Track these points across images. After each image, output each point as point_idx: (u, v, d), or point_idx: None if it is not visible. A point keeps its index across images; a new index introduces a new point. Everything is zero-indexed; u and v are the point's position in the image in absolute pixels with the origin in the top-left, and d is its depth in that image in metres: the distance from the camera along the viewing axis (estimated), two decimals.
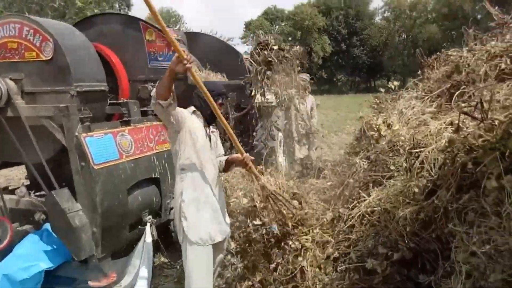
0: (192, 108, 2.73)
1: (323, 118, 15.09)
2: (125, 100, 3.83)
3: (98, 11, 16.58)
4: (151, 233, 3.39)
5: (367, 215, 2.42)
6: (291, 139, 6.88)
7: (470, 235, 1.58)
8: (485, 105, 1.58)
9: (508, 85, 2.19)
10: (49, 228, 3.04)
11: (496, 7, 3.48)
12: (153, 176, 3.56)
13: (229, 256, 3.33)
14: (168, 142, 3.78)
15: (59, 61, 3.11)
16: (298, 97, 6.65)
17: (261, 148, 6.39)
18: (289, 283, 2.84)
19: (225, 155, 2.99)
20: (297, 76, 7.09)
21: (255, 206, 3.19)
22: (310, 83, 6.95)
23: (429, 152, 1.95)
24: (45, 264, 2.91)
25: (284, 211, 3.01)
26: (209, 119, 2.71)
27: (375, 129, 3.19)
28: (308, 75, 7.03)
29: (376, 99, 4.20)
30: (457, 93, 2.38)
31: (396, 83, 3.90)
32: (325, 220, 2.91)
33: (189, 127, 2.58)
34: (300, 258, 2.79)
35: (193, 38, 5.67)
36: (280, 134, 6.68)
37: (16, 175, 7.15)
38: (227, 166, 2.84)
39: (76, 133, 2.94)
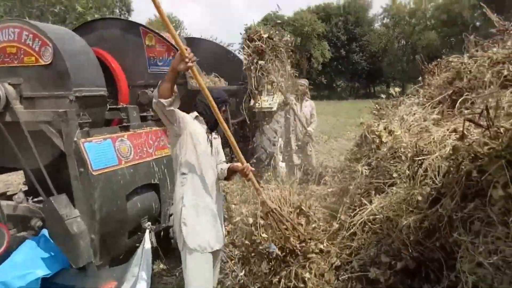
0: (195, 113, 2.71)
1: (323, 123, 15.07)
2: (124, 105, 3.80)
3: (98, 16, 16.64)
4: (150, 240, 3.34)
5: (369, 223, 2.38)
6: (289, 145, 6.87)
7: (476, 245, 1.54)
8: (491, 112, 1.55)
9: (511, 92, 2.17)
10: (47, 234, 3.00)
11: (495, 14, 3.49)
12: (153, 182, 3.52)
13: (230, 263, 3.30)
14: (167, 147, 3.77)
15: (58, 66, 3.08)
16: (296, 102, 6.67)
17: (261, 153, 6.37)
18: None
19: (226, 162, 2.96)
20: (296, 80, 7.11)
21: (256, 222, 3.14)
22: (309, 89, 6.96)
23: (433, 159, 1.92)
24: (42, 271, 2.85)
25: (286, 231, 2.94)
26: (212, 126, 2.70)
27: (376, 135, 3.17)
28: (307, 80, 7.04)
29: (377, 105, 4.19)
30: (460, 99, 2.36)
31: (397, 89, 3.89)
32: (331, 231, 2.85)
33: (190, 131, 2.56)
34: (305, 272, 2.74)
35: (193, 44, 5.67)
36: (280, 139, 6.65)
37: (15, 180, 7.10)
38: (229, 175, 2.80)
39: (75, 139, 2.90)
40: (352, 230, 2.69)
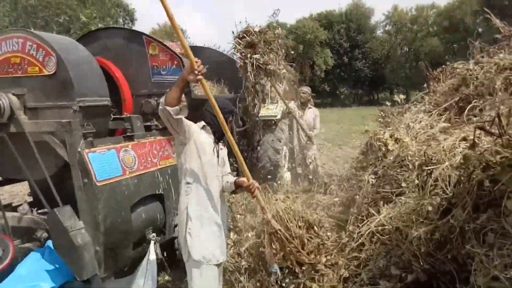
0: (202, 123, 2.70)
1: (326, 131, 15.03)
2: (128, 115, 3.79)
3: (102, 26, 16.79)
4: (155, 251, 3.31)
5: (377, 234, 2.34)
6: (293, 153, 6.83)
7: (490, 257, 1.49)
8: (503, 120, 1.51)
9: None
10: (51, 246, 2.98)
11: (498, 21, 3.46)
12: (157, 193, 3.49)
13: (237, 274, 3.25)
14: (172, 157, 3.75)
15: (62, 76, 3.08)
16: (298, 110, 6.64)
17: (266, 162, 6.33)
18: None
19: (231, 173, 2.95)
20: (298, 87, 7.09)
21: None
22: (312, 96, 6.94)
23: (443, 169, 1.87)
24: (47, 284, 2.81)
25: (293, 248, 2.91)
26: (219, 136, 2.68)
27: (383, 143, 3.13)
28: (309, 88, 7.02)
29: (382, 113, 4.16)
30: (469, 107, 2.31)
31: (402, 96, 3.85)
32: (341, 243, 2.81)
33: (196, 140, 2.55)
34: (313, 284, 2.69)
35: (196, 52, 5.66)
36: (284, 148, 6.62)
37: (21, 191, 7.09)
38: (235, 188, 2.78)
39: (79, 149, 2.89)
40: (360, 241, 2.64)
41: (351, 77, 41.78)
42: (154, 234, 3.38)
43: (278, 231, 2.81)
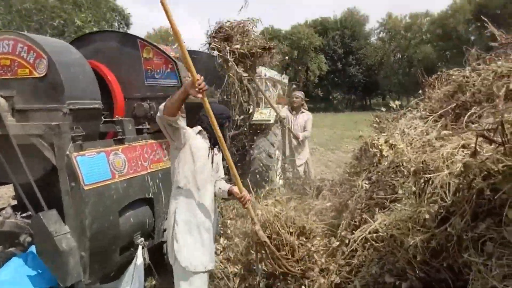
0: (199, 127, 2.70)
1: (319, 136, 15.06)
2: (120, 118, 3.73)
3: (97, 29, 16.70)
4: (143, 256, 3.25)
5: (372, 241, 2.29)
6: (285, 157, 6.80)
7: (488, 267, 1.45)
8: (506, 128, 1.47)
9: None
10: (35, 251, 2.89)
11: (495, 29, 3.47)
12: (147, 197, 3.43)
13: (225, 280, 3.20)
14: (163, 161, 3.70)
15: (52, 78, 3.01)
16: (291, 114, 6.60)
17: (258, 166, 6.30)
18: None
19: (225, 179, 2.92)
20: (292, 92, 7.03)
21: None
22: (305, 101, 6.92)
23: (443, 177, 1.83)
24: None
25: (282, 257, 2.92)
26: (215, 141, 2.66)
27: (377, 149, 3.10)
28: (303, 93, 7.01)
29: (377, 118, 4.13)
30: (468, 113, 2.29)
31: (397, 102, 3.83)
32: (331, 248, 2.77)
33: (191, 145, 2.54)
34: None
35: (191, 56, 5.61)
36: (277, 152, 6.59)
37: (6, 193, 6.94)
38: (228, 195, 2.77)
39: (67, 152, 2.82)
40: (353, 247, 2.59)
41: (344, 83, 42.07)
42: (142, 239, 3.32)
43: (264, 243, 2.79)
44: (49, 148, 2.91)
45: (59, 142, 2.85)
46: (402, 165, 2.71)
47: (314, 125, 6.76)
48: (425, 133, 2.81)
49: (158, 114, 2.38)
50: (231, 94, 4.82)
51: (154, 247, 3.58)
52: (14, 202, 3.66)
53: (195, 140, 2.58)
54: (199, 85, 2.23)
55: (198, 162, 2.55)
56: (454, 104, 2.78)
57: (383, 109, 4.05)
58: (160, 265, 3.52)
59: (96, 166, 2.97)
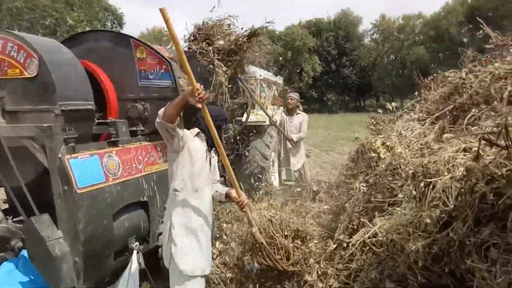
0: (196, 130, 2.68)
1: (314, 137, 15.06)
2: (113, 120, 3.66)
3: (89, 29, 16.53)
4: (138, 260, 3.19)
5: (372, 245, 2.26)
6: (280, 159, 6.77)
7: (492, 273, 1.43)
8: (510, 131, 1.45)
9: None
10: (26, 256, 2.82)
11: (481, 31, 3.46)
12: (141, 200, 3.37)
13: (221, 285, 3.15)
14: (157, 163, 3.64)
15: (43, 78, 2.94)
16: (286, 116, 6.57)
17: (254, 168, 6.26)
18: None
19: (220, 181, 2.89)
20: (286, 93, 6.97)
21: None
22: (300, 102, 6.89)
23: (446, 181, 1.81)
24: None
25: (279, 258, 2.93)
26: (211, 144, 2.66)
27: (375, 151, 3.08)
28: (298, 94, 6.98)
29: (373, 120, 4.11)
30: (468, 116, 2.27)
31: (394, 104, 3.81)
32: (328, 251, 2.74)
33: (189, 147, 2.53)
34: None
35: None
36: (273, 154, 6.55)
37: None
38: (225, 198, 2.78)
39: (59, 155, 2.75)
40: (351, 251, 2.56)
41: (338, 84, 42.20)
42: (137, 243, 3.26)
43: (260, 244, 2.82)
44: (40, 150, 2.84)
45: (51, 144, 2.78)
46: (400, 167, 2.69)
47: (308, 126, 6.71)
48: (422, 135, 2.79)
49: (157, 119, 2.38)
50: (218, 94, 4.64)
51: (149, 251, 3.52)
52: (5, 206, 3.57)
53: (193, 142, 2.57)
54: (199, 94, 2.22)
55: (197, 165, 2.54)
56: (451, 106, 2.76)
57: (380, 110, 4.03)
58: (156, 270, 3.46)
59: (89, 168, 2.91)
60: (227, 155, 3.05)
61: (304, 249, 3.06)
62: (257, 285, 2.99)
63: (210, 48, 4.23)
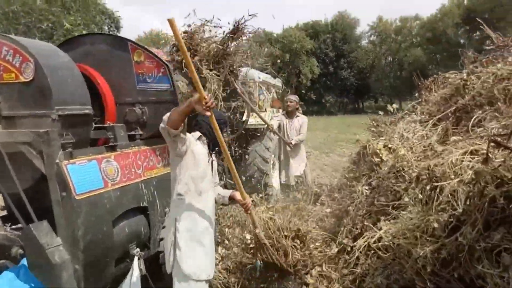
0: (198, 133, 2.67)
1: (313, 139, 15.04)
2: (111, 124, 3.61)
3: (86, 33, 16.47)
4: (138, 267, 3.14)
5: (377, 250, 2.22)
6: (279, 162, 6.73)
7: (505, 279, 1.39)
8: None
9: None
10: (27, 264, 2.77)
11: (478, 32, 3.45)
12: (141, 205, 3.32)
13: None
14: (157, 167, 3.59)
15: (40, 82, 2.89)
16: (286, 119, 6.54)
17: (254, 171, 6.22)
18: None
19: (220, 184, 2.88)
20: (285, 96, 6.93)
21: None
22: (300, 105, 6.86)
23: (454, 184, 1.77)
24: None
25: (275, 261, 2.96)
26: (213, 147, 2.69)
27: (377, 153, 3.04)
28: (297, 96, 6.95)
29: (374, 122, 4.08)
30: (474, 117, 2.23)
31: (395, 105, 3.78)
32: (330, 254, 2.70)
33: (193, 152, 2.52)
34: None
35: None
36: (273, 156, 6.52)
37: None
38: (229, 201, 2.79)
39: (57, 160, 2.70)
40: (356, 255, 2.52)
41: (336, 86, 42.29)
42: (138, 249, 3.20)
43: (264, 245, 2.87)
44: (38, 156, 2.79)
45: (48, 149, 2.73)
46: (403, 170, 2.65)
47: (307, 129, 6.68)
48: (425, 137, 2.76)
49: (162, 125, 2.36)
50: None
51: (150, 257, 3.47)
52: (3, 213, 3.52)
53: (196, 146, 2.56)
54: (206, 103, 2.21)
55: (200, 168, 2.54)
56: (454, 107, 2.73)
57: (380, 112, 4.00)
58: (157, 276, 3.41)
59: (88, 174, 2.86)
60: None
61: (304, 252, 3.05)
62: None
63: (195, 59, 4.10)
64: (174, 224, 2.52)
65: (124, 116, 3.83)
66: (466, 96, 2.80)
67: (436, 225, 1.76)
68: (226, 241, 3.76)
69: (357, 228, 2.81)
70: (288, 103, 6.62)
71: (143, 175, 3.39)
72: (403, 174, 2.57)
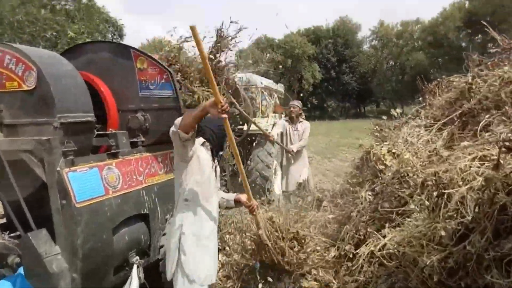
0: (202, 139, 2.66)
1: (315, 144, 14.99)
2: (113, 131, 3.60)
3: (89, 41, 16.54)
4: (138, 275, 3.10)
5: (381, 257, 2.17)
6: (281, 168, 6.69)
7: None
8: None
9: None
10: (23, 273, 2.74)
11: (480, 35, 3.42)
12: (142, 212, 3.29)
13: None
14: (158, 174, 3.57)
15: (42, 91, 2.88)
16: (290, 125, 6.50)
17: (256, 176, 6.19)
18: None
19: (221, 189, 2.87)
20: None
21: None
22: (302, 110, 6.83)
23: (465, 191, 1.73)
24: None
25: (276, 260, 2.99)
26: (216, 152, 2.70)
27: (381, 159, 3.00)
28: (300, 102, 6.92)
29: (377, 126, 4.04)
30: (482, 122, 2.19)
31: (398, 110, 3.75)
32: (328, 258, 2.67)
33: (199, 157, 2.54)
34: None
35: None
36: (275, 162, 6.48)
37: None
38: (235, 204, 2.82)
39: (58, 168, 2.68)
40: (360, 263, 2.47)
41: (338, 91, 42.30)
42: (138, 257, 3.17)
43: (265, 246, 2.93)
44: (39, 164, 2.77)
45: (49, 157, 2.71)
46: (408, 175, 2.61)
47: (309, 133, 6.62)
48: (430, 142, 2.72)
49: (173, 128, 2.36)
50: None
51: (149, 265, 3.43)
52: (2, 221, 3.50)
53: (201, 152, 2.58)
54: (222, 106, 2.21)
55: (205, 173, 2.55)
56: (459, 112, 2.69)
57: (384, 117, 3.96)
58: (156, 284, 3.37)
59: (89, 182, 2.84)
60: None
61: (301, 255, 3.03)
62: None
63: (186, 81, 4.06)
64: (180, 229, 2.52)
65: (127, 123, 3.82)
66: (471, 100, 2.76)
67: (443, 233, 1.71)
68: (227, 248, 3.71)
69: (360, 235, 2.77)
70: (292, 108, 6.57)
71: (144, 182, 3.37)
72: (408, 179, 2.53)
